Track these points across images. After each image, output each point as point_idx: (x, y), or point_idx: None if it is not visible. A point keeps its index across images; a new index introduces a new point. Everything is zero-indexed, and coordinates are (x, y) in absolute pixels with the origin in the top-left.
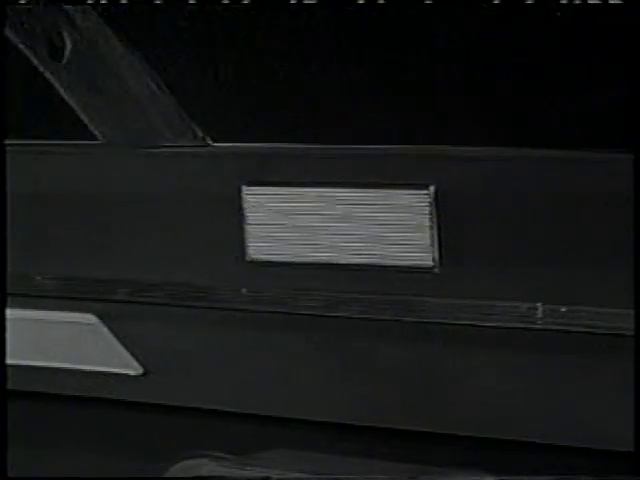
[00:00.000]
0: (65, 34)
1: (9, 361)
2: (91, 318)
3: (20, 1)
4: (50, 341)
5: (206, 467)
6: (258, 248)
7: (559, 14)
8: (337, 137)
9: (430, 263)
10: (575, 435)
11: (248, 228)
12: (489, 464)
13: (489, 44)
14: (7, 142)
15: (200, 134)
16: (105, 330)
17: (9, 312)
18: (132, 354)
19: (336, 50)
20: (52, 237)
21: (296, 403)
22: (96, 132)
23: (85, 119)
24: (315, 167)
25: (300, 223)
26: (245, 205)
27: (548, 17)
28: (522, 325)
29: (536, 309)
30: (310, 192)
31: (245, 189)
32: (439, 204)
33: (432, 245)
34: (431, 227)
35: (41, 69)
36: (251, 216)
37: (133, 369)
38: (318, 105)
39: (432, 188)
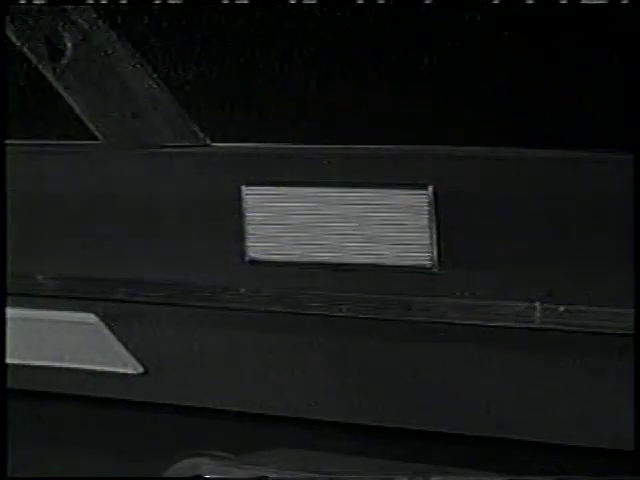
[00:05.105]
0: (65, 35)
1: (10, 360)
2: (92, 318)
3: (20, 1)
4: (51, 340)
5: (206, 466)
6: (258, 248)
7: (560, 13)
8: (337, 137)
9: (429, 263)
10: (575, 434)
11: (248, 228)
12: (489, 463)
13: (489, 44)
14: (8, 142)
15: (200, 134)
16: (105, 329)
17: (10, 311)
18: (132, 353)
19: (337, 50)
20: (53, 237)
21: (296, 402)
22: (97, 132)
23: (85, 119)
24: (314, 167)
25: (299, 223)
26: (245, 205)
27: (549, 17)
28: (520, 325)
29: (534, 309)
30: (309, 192)
31: (245, 189)
32: (438, 204)
33: (431, 245)
34: (430, 227)
35: (41, 69)
36: (251, 216)
37: (133, 368)
38: (318, 105)
39: (431, 188)
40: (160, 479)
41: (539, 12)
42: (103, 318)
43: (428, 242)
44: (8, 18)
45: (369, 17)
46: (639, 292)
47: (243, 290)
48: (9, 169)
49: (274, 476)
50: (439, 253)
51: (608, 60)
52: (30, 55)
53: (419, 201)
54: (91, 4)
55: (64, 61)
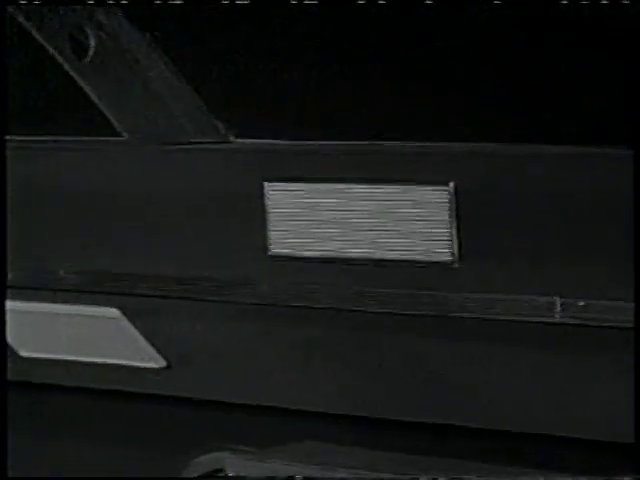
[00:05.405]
0: (89, 32)
1: (32, 355)
2: (114, 312)
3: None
4: (73, 335)
5: (228, 460)
6: (280, 243)
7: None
8: (358, 134)
9: (449, 258)
10: (592, 428)
11: (270, 223)
12: (500, 456)
13: (489, 44)
14: (30, 138)
15: (222, 131)
16: (128, 324)
17: (32, 306)
18: (155, 347)
19: (358, 47)
20: (76, 232)
21: (318, 396)
22: (119, 129)
23: (109, 116)
24: (336, 163)
25: (321, 218)
26: (267, 201)
27: (554, 15)
28: (540, 319)
29: (554, 303)
30: (331, 188)
31: (267, 185)
32: (459, 200)
33: (451, 240)
34: (450, 223)
35: (65, 67)
36: (273, 212)
37: (156, 362)
38: (341, 102)
39: (452, 184)
40: (174, 479)
41: (539, 12)
42: (126, 312)
43: (449, 237)
44: (32, 16)
45: (388, 13)
46: (639, 285)
47: (265, 285)
48: (32, 166)
49: (294, 470)
50: (460, 248)
51: (608, 59)
52: (54, 53)
53: (440, 197)
54: (113, 3)
55: (88, 58)
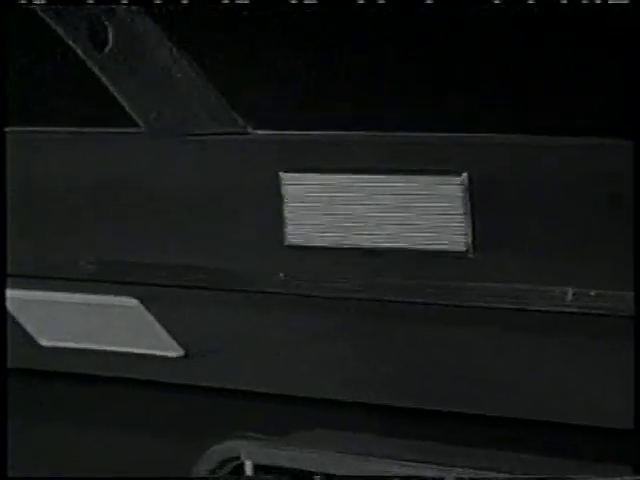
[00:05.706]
0: (107, 24)
1: (52, 344)
2: (132, 301)
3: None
4: (92, 324)
5: (244, 448)
6: (296, 233)
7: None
8: (374, 125)
9: (464, 248)
10: (603, 415)
11: (286, 214)
12: (519, 444)
13: (489, 43)
14: (48, 129)
15: (240, 122)
16: (146, 313)
17: (53, 295)
18: (173, 336)
19: (375, 41)
20: (94, 223)
21: (334, 385)
22: (137, 120)
23: (127, 107)
24: (352, 154)
25: (337, 209)
26: (284, 192)
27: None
28: (553, 308)
29: (566, 293)
30: (346, 179)
31: (284, 176)
32: (472, 190)
33: (465, 230)
34: (464, 213)
35: (84, 59)
36: (289, 202)
37: (174, 351)
38: (356, 93)
39: (465, 174)
40: (180, 479)
41: (539, 12)
42: (144, 302)
43: (463, 227)
44: (51, 9)
45: (410, 6)
46: (639, 274)
47: (282, 275)
48: (50, 157)
49: (309, 457)
50: (473, 238)
51: (610, 58)
52: (73, 46)
53: (454, 187)
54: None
55: (106, 51)
